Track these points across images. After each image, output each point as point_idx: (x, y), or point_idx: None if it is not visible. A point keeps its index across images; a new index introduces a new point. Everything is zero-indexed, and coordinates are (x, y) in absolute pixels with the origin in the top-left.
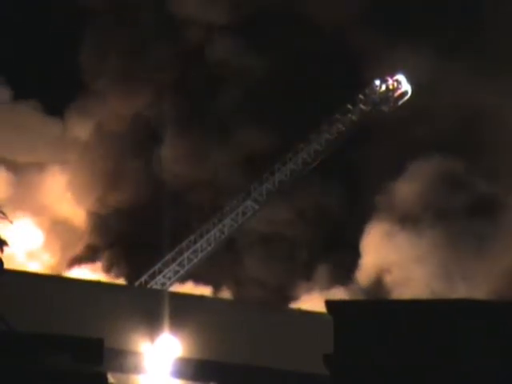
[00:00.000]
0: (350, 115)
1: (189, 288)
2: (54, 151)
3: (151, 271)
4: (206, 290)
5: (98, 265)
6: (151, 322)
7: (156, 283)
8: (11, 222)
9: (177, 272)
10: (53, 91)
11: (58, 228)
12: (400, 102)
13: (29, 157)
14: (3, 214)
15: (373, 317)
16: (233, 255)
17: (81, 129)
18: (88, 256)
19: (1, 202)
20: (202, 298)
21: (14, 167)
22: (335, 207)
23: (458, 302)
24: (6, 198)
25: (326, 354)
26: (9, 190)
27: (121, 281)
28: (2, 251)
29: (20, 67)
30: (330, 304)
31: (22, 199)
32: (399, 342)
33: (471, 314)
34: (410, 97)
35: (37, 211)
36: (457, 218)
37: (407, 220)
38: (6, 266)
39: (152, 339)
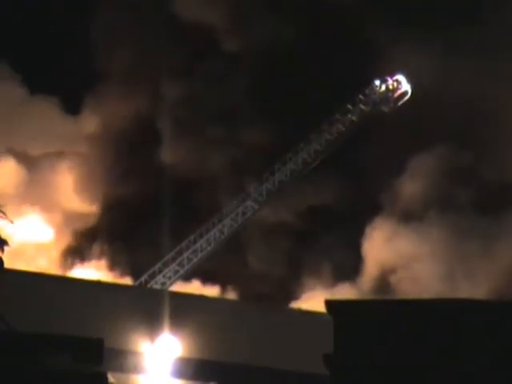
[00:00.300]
0: (349, 115)
1: (196, 287)
2: (66, 146)
3: (151, 271)
4: (212, 289)
5: (102, 263)
6: (151, 322)
7: (156, 283)
8: (12, 222)
9: (177, 272)
10: (68, 87)
11: (65, 223)
12: (400, 102)
13: (41, 151)
14: (3, 213)
15: (373, 317)
16: (236, 253)
17: (91, 125)
18: (90, 254)
19: (6, 198)
20: (201, 297)
21: (26, 160)
22: (338, 205)
23: (459, 302)
24: (17, 190)
25: (325, 353)
26: (20, 183)
27: (126, 280)
28: (3, 251)
29: (35, 63)
30: (329, 304)
31: (32, 192)
32: (399, 342)
33: (473, 313)
34: (411, 94)
35: (46, 205)
36: (462, 214)
37: (411, 218)
38: (14, 260)
39: (152, 339)
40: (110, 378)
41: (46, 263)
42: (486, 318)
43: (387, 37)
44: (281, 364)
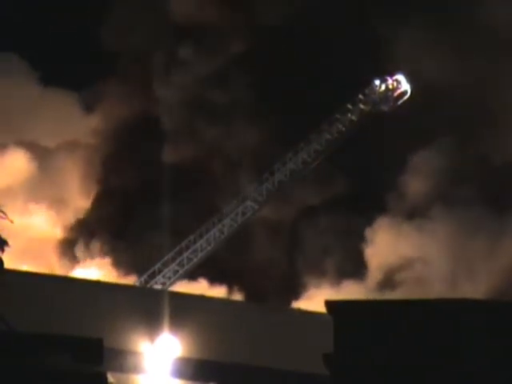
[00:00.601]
0: (349, 115)
1: (203, 286)
2: (73, 141)
3: (151, 271)
4: (220, 289)
5: (106, 261)
6: (151, 322)
7: (156, 283)
8: (12, 222)
9: (176, 272)
10: (84, 81)
11: (68, 219)
12: (400, 102)
13: (52, 143)
14: (3, 213)
15: (373, 317)
16: (242, 252)
17: (93, 124)
18: (94, 251)
19: (12, 191)
20: (201, 297)
21: (37, 152)
22: (342, 202)
23: (459, 302)
24: (24, 183)
25: (325, 353)
26: (26, 176)
27: (130, 278)
28: (3, 251)
29: (49, 54)
30: (330, 304)
31: (38, 187)
32: (399, 342)
33: (473, 313)
34: (412, 92)
35: (51, 201)
36: (468, 211)
37: (416, 215)
38: (20, 257)
39: (152, 339)
40: (110, 378)
41: (50, 260)
42: (486, 318)
43: (387, 36)
44: (281, 364)
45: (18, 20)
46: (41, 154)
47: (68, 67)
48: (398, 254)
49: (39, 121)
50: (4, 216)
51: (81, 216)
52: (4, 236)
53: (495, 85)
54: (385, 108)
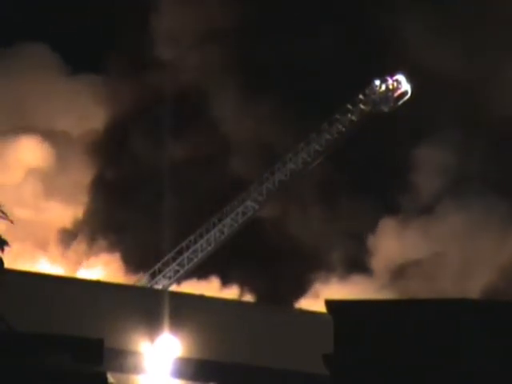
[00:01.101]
0: (349, 115)
1: (215, 286)
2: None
3: (151, 271)
4: (231, 289)
5: (116, 256)
6: (151, 322)
7: (156, 283)
8: (12, 222)
9: (177, 272)
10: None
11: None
12: (400, 102)
13: (77, 130)
14: (3, 213)
15: (373, 317)
16: (247, 247)
17: (97, 120)
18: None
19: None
20: (201, 297)
21: (52, 142)
22: (347, 200)
23: (459, 302)
24: (43, 173)
25: (325, 353)
26: (44, 166)
27: (135, 277)
28: (3, 251)
29: (76, 43)
30: (330, 304)
31: (55, 176)
32: (399, 342)
33: (473, 313)
34: (412, 91)
35: (67, 190)
36: (474, 207)
37: (423, 212)
38: (28, 253)
39: (152, 339)
40: (110, 378)
41: (60, 254)
42: (486, 318)
43: (387, 36)
44: (281, 364)
45: (44, 13)
46: (55, 145)
47: (89, 57)
48: (405, 250)
49: (54, 110)
50: (4, 216)
51: (87, 211)
52: (11, 232)
53: (496, 83)
54: (385, 108)
